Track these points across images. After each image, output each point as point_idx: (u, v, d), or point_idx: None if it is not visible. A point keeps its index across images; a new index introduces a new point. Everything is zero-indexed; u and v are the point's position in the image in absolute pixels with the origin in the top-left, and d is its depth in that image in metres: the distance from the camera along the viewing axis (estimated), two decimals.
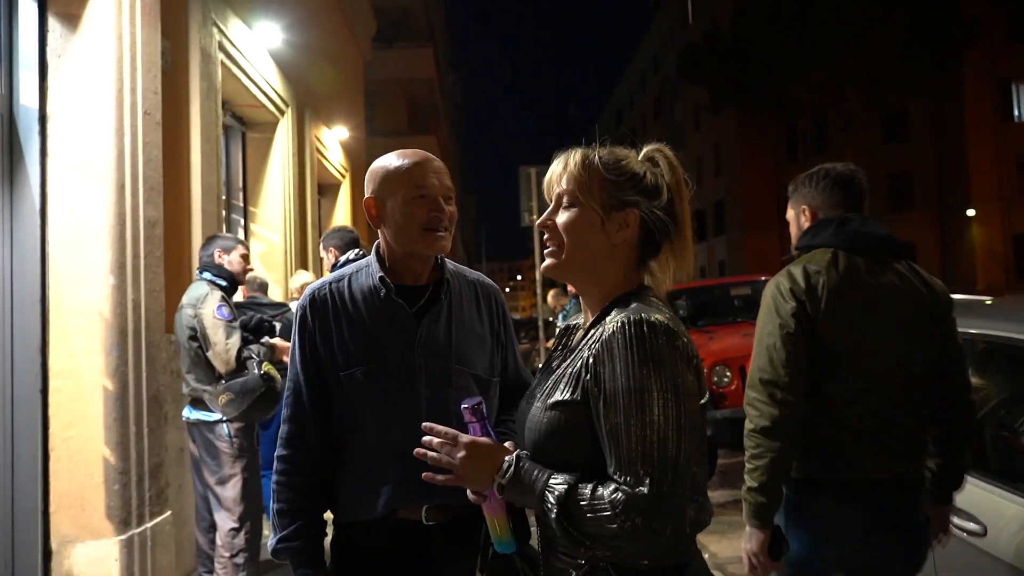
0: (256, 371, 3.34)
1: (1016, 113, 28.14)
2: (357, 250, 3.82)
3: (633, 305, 1.18)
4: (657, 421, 1.07)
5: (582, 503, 1.10)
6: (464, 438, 1.25)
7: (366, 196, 1.64)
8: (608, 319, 1.19)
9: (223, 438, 3.40)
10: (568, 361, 1.24)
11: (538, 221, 1.33)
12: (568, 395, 1.17)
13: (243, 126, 6.96)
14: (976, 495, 2.28)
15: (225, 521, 3.33)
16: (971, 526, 2.22)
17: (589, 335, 1.23)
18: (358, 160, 10.59)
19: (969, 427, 2.11)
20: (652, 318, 1.12)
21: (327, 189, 9.67)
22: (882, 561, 1.95)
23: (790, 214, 2.27)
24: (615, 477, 1.09)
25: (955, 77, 24.73)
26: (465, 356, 1.63)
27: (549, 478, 1.15)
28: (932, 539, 2.12)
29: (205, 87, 4.88)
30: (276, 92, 6.78)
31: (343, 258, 3.77)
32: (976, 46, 23.82)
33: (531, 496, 1.16)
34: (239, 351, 3.35)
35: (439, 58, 23.72)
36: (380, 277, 1.63)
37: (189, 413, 3.51)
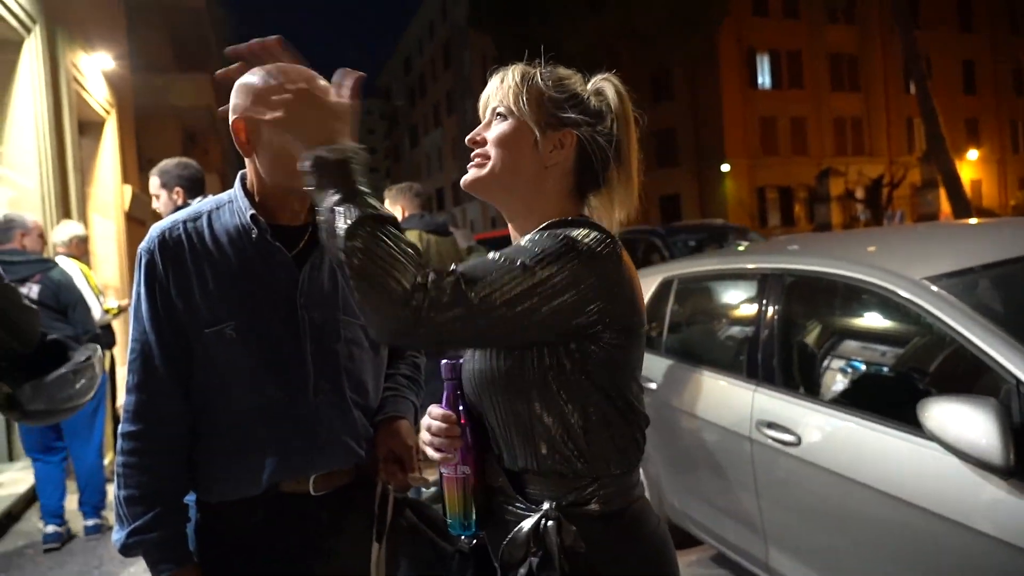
0: None
1: (760, 80, 31.83)
2: (201, 197, 3.28)
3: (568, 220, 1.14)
4: (518, 269, 1.01)
5: (393, 234, 1.02)
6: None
7: (233, 117, 1.36)
8: None
9: None
10: None
11: (468, 136, 1.21)
12: None
13: None
14: (790, 410, 2.57)
15: None
16: (787, 437, 2.50)
17: None
18: (125, 97, 9.32)
19: None
20: (585, 228, 1.09)
21: (89, 127, 8.40)
22: None
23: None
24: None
25: (711, 43, 27.25)
26: (353, 306, 1.45)
27: (371, 206, 1.04)
28: None
29: None
30: (17, 3, 5.67)
31: (194, 203, 3.26)
32: (727, 17, 26.34)
33: (336, 198, 1.06)
34: None
35: None
36: (252, 215, 1.39)
37: None
